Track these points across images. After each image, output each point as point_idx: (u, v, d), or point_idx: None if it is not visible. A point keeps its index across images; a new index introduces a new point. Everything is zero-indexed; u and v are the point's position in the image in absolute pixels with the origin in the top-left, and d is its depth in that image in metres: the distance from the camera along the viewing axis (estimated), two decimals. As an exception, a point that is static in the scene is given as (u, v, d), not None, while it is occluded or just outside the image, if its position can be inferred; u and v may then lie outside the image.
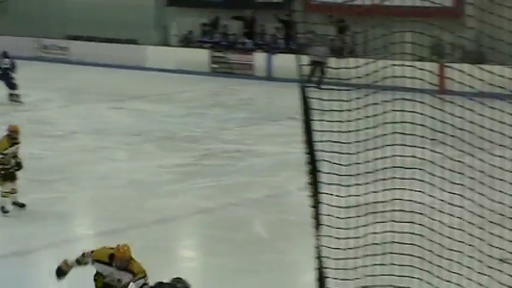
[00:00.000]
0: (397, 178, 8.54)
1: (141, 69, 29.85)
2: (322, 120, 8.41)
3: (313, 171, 8.10)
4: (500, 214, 8.31)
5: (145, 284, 7.96)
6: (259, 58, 28.17)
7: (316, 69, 22.90)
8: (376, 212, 8.62)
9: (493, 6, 8.29)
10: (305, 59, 8.24)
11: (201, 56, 29.25)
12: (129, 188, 14.55)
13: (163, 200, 13.76)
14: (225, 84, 27.04)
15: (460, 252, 8.25)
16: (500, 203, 8.22)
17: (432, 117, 8.41)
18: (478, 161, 8.26)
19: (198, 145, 18.11)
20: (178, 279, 8.06)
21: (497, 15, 8.26)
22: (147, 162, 16.50)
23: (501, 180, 8.15)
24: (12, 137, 12.88)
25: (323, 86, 15.23)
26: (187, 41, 30.80)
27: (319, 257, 8.07)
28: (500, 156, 8.24)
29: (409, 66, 8.59)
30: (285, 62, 25.10)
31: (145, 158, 16.89)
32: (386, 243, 8.54)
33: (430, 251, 8.34)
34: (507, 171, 8.13)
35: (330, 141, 8.31)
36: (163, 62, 29.76)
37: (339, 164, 8.47)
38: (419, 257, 8.35)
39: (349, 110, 8.55)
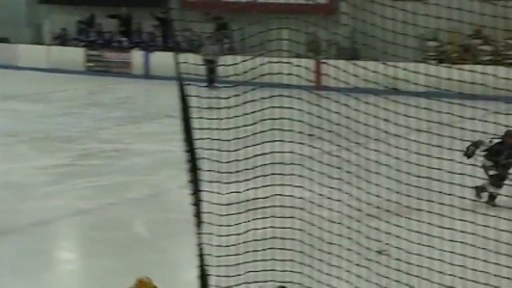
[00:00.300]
0: (277, 174, 8.61)
1: (13, 69, 29.05)
2: (201, 117, 8.40)
3: (194, 169, 8.07)
4: (377, 207, 8.50)
5: None
6: (136, 56, 27.91)
7: (208, 68, 22.57)
8: (256, 208, 8.67)
9: (365, 3, 8.47)
10: (193, 58, 8.21)
11: (76, 55, 28.74)
12: (4, 190, 14.15)
13: (40, 201, 13.45)
14: (101, 83, 26.67)
15: (339, 245, 8.40)
16: (377, 196, 8.42)
17: (309, 113, 8.52)
18: (354, 155, 8.43)
19: (75, 145, 17.78)
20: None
21: (369, 12, 8.44)
22: (22, 163, 16.09)
23: (377, 173, 8.35)
24: None
25: (216, 84, 15.19)
26: (61, 40, 30.20)
27: (200, 255, 8.06)
28: (375, 150, 8.43)
29: (286, 63, 8.67)
30: (163, 60, 24.96)
31: (20, 159, 16.46)
32: (267, 239, 8.59)
33: (311, 245, 8.45)
34: (382, 164, 8.33)
35: (210, 138, 8.30)
36: (36, 61, 29.07)
37: (219, 162, 8.48)
38: (300, 252, 8.45)
39: (228, 107, 8.56)
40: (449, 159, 8.08)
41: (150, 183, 14.64)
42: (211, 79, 21.00)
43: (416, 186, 8.26)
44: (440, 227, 8.07)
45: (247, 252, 8.50)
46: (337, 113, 8.45)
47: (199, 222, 8.16)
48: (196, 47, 25.01)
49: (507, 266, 7.72)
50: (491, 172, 11.23)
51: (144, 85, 26.59)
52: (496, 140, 11.10)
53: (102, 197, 13.73)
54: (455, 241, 8.05)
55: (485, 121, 8.09)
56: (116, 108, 22.46)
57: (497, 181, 11.36)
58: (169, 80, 13.93)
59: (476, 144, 11.02)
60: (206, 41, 22.84)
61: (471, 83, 8.43)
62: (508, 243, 7.77)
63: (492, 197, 11.38)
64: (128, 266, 10.76)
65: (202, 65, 21.47)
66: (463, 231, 7.99)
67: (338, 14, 10.88)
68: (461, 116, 8.08)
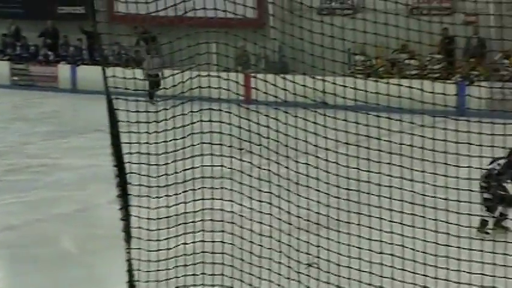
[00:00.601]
0: (207, 188, 8.59)
1: None
2: (130, 132, 8.33)
3: (122, 184, 8.01)
4: (306, 220, 8.54)
5: None
6: (63, 70, 27.58)
7: (153, 82, 21.90)
8: (186, 223, 8.63)
9: (294, 17, 8.53)
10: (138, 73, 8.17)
11: (0, 69, 28.25)
12: None
13: (-36, 218, 13.14)
14: (26, 97, 26.27)
15: (270, 259, 8.41)
16: (307, 209, 8.45)
17: (239, 127, 8.53)
18: (284, 169, 8.45)
19: (1, 160, 17.44)
20: None
21: (298, 27, 8.50)
22: None
23: (306, 187, 8.39)
24: None
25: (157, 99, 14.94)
26: (-15, 53, 29.70)
27: (130, 270, 7.99)
28: (305, 164, 8.47)
29: (215, 76, 8.67)
30: (90, 74, 24.72)
31: None
32: (197, 253, 8.56)
33: (241, 259, 8.44)
34: (312, 178, 8.37)
35: (139, 152, 8.25)
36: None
37: (148, 176, 8.42)
38: (230, 266, 8.43)
39: (157, 122, 8.52)
40: (377, 172, 8.17)
41: (78, 198, 14.44)
42: (152, 94, 20.43)
43: (346, 199, 8.32)
44: (369, 239, 8.15)
45: (177, 267, 8.46)
46: (266, 126, 8.47)
47: (128, 237, 8.09)
48: (135, 60, 24.79)
49: (435, 278, 7.84)
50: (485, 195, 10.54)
51: (71, 99, 26.29)
52: (502, 161, 10.76)
53: (28, 212, 13.49)
54: (384, 253, 8.14)
55: (412, 134, 8.21)
56: (42, 123, 22.13)
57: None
58: (97, 94, 13.82)
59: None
60: (146, 55, 22.26)
61: (398, 96, 8.55)
62: (435, 255, 7.89)
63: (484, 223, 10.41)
64: (55, 282, 10.59)
65: (145, 79, 20.68)
66: (391, 243, 8.08)
67: (267, 28, 10.93)
68: (388, 129, 8.18)
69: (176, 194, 8.58)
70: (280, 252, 8.45)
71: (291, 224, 8.49)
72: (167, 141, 8.51)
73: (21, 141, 19.61)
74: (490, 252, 7.80)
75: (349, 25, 8.51)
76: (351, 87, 8.45)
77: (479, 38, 19.10)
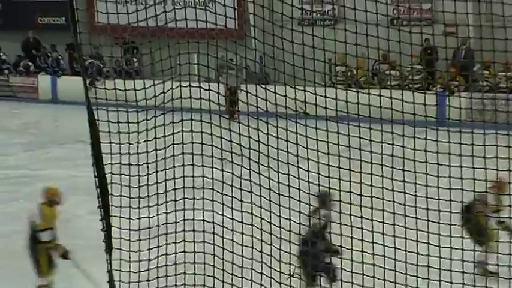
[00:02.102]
0: (188, 198, 8.57)
1: None
2: (111, 142, 8.31)
3: (103, 195, 7.98)
4: (288, 231, 8.54)
5: None
6: (43, 81, 27.47)
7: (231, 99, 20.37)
8: (168, 233, 8.61)
9: (275, 28, 8.54)
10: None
11: (-20, 80, 28.18)
12: None
13: None
14: (7, 108, 26.14)
15: (252, 269, 8.40)
16: (289, 219, 8.45)
17: (220, 137, 8.53)
18: (266, 179, 8.45)
19: (-19, 172, 17.34)
20: None
21: (279, 37, 8.52)
22: None
23: (288, 197, 8.39)
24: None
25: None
26: (-35, 64, 29.53)
27: (111, 281, 7.95)
28: (286, 174, 8.47)
29: (196, 87, 8.67)
30: (71, 85, 24.68)
31: None
32: (179, 264, 8.54)
33: (223, 269, 8.43)
34: (294, 188, 8.38)
35: (120, 163, 8.23)
36: None
37: (129, 187, 8.40)
38: (212, 276, 8.41)
39: (138, 132, 8.51)
40: (358, 182, 8.19)
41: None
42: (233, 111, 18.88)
43: (327, 210, 8.34)
44: (350, 249, 8.16)
45: (159, 277, 8.43)
46: (248, 137, 8.48)
47: (109, 248, 8.06)
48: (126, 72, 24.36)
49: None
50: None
51: (52, 110, 26.20)
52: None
53: (8, 224, 13.40)
54: (366, 263, 8.16)
55: (393, 144, 8.24)
56: (22, 134, 22.03)
57: None
58: (78, 104, 13.77)
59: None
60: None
61: (379, 107, 8.58)
62: (416, 264, 7.92)
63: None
64: (35, 294, 10.53)
65: (225, 96, 18.64)
66: (373, 254, 8.10)
67: (247, 38, 10.96)
68: (369, 140, 8.20)
69: (157, 205, 8.56)
70: (262, 262, 8.44)
71: (272, 234, 8.48)
72: (148, 152, 8.50)
73: (0, 152, 19.50)
74: (470, 261, 7.84)
75: (329, 36, 8.54)
76: (332, 98, 8.47)
77: (469, 49, 19.22)
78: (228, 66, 19.03)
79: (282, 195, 8.43)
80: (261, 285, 8.33)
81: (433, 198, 7.99)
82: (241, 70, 19.52)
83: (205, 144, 8.49)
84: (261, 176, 8.46)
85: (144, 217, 8.51)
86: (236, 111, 13.60)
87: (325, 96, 8.49)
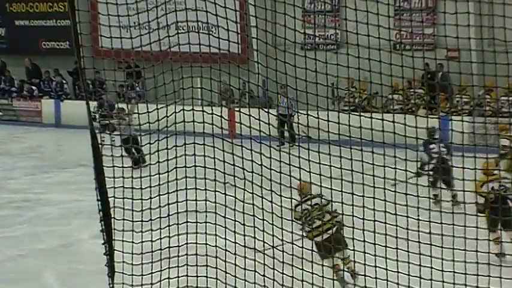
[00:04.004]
0: (191, 222, 8.58)
1: None
2: (114, 166, 8.34)
3: (106, 218, 7.99)
4: (291, 254, 8.53)
5: None
6: (46, 105, 27.56)
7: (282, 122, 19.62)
8: (170, 257, 8.60)
9: (279, 53, 8.58)
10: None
11: (-17, 104, 28.28)
12: None
13: None
14: (10, 132, 26.21)
15: (254, 293, 8.39)
16: (291, 243, 8.45)
17: (223, 161, 8.55)
18: (268, 203, 8.45)
19: (-17, 195, 17.34)
20: None
21: (281, 61, 8.55)
22: None
23: (291, 220, 8.40)
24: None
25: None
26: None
27: (114, 306, 7.94)
28: (289, 198, 8.48)
29: (200, 111, 8.70)
30: (74, 109, 24.75)
31: None
32: (181, 287, 8.53)
33: (225, 294, 8.42)
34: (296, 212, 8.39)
35: (123, 187, 8.24)
36: None
37: (132, 210, 8.41)
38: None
39: (141, 156, 8.53)
40: (361, 206, 8.18)
41: (61, 233, 14.34)
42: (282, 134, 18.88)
43: (330, 233, 8.34)
44: (354, 272, 8.15)
45: (161, 302, 8.42)
46: (250, 160, 8.49)
47: (112, 272, 8.06)
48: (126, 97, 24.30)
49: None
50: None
51: (55, 134, 26.24)
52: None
53: (11, 248, 13.38)
54: (369, 287, 8.14)
55: (395, 168, 8.25)
56: (25, 158, 22.05)
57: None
58: (81, 128, 13.80)
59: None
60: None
61: (381, 131, 8.59)
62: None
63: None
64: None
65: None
66: (376, 278, 8.08)
67: (250, 63, 10.99)
68: (372, 164, 8.21)
69: (160, 228, 8.57)
70: (264, 286, 8.42)
71: (275, 258, 8.47)
72: (151, 175, 8.52)
73: (4, 176, 19.52)
74: (473, 286, 7.82)
75: (332, 60, 8.57)
76: (335, 122, 8.49)
77: (444, 73, 19.23)
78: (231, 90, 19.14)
79: (285, 219, 8.44)
80: (264, 309, 8.31)
81: (435, 222, 7.98)
82: (244, 94, 19.59)
83: (208, 167, 8.51)
84: (263, 199, 8.47)
85: (147, 241, 8.52)
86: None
87: (328, 120, 8.51)
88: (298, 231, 8.45)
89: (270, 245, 8.42)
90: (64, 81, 28.03)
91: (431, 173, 12.94)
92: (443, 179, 12.65)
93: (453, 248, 8.01)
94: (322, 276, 8.29)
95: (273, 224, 8.42)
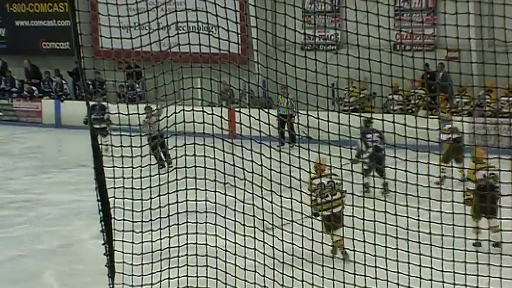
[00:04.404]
0: (191, 222, 8.58)
1: None
2: (115, 166, 8.34)
3: (106, 219, 7.99)
4: (291, 255, 8.53)
5: None
6: (46, 105, 27.56)
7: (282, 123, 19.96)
8: (170, 258, 8.60)
9: (277, 53, 8.58)
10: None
11: (-16, 104, 28.28)
12: None
13: None
14: (11, 132, 26.20)
15: (254, 294, 8.39)
16: (292, 243, 8.45)
17: (223, 161, 8.55)
18: (268, 203, 8.46)
19: (-16, 196, 17.34)
20: None
21: (281, 62, 8.55)
22: None
23: (291, 221, 8.39)
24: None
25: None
26: (-31, 89, 29.64)
27: (114, 306, 7.94)
28: (289, 198, 8.48)
29: (200, 111, 8.70)
30: (74, 109, 24.73)
31: None
32: (181, 288, 8.54)
33: (225, 294, 8.42)
34: (296, 212, 8.38)
35: (123, 187, 8.24)
36: None
37: (132, 211, 8.40)
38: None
39: (141, 156, 8.53)
40: (361, 207, 8.19)
41: (61, 233, 14.34)
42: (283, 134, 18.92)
43: (331, 234, 8.34)
44: (353, 273, 8.15)
45: (161, 302, 8.42)
46: (251, 161, 8.49)
47: (112, 273, 8.06)
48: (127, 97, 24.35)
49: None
50: None
51: (55, 134, 26.23)
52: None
53: (11, 248, 13.38)
54: None
55: (396, 169, 8.24)
56: (26, 158, 22.04)
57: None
58: (81, 129, 13.82)
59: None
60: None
61: (382, 131, 8.60)
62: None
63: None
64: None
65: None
66: (375, 278, 8.08)
67: (250, 63, 10.99)
68: (372, 164, 8.21)
69: (160, 229, 8.57)
70: (264, 287, 8.42)
71: (275, 259, 8.47)
72: (151, 176, 8.52)
73: (4, 176, 19.51)
74: (473, 286, 7.82)
75: (332, 60, 8.57)
76: (335, 122, 8.49)
77: (445, 74, 19.25)
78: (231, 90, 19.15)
79: (285, 219, 8.44)
80: (264, 309, 8.31)
81: (435, 222, 7.98)
82: (244, 95, 19.57)
83: (208, 168, 8.50)
84: (263, 200, 8.47)
85: (147, 241, 8.51)
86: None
87: (328, 121, 8.51)
88: (297, 232, 8.44)
89: (269, 245, 8.43)
90: (64, 82, 28.02)
91: (367, 161, 13.55)
92: (376, 168, 13.10)
93: (453, 249, 8.01)
94: (322, 277, 8.28)
95: (273, 225, 8.42)
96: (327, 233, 10.13)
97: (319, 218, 10.34)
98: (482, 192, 10.55)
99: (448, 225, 7.98)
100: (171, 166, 9.09)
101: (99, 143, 8.15)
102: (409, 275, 7.95)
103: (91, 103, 21.97)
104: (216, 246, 8.58)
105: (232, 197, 8.60)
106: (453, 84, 17.36)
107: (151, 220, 8.50)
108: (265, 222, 8.38)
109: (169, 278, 8.56)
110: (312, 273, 8.36)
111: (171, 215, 8.56)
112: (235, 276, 8.46)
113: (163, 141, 14.92)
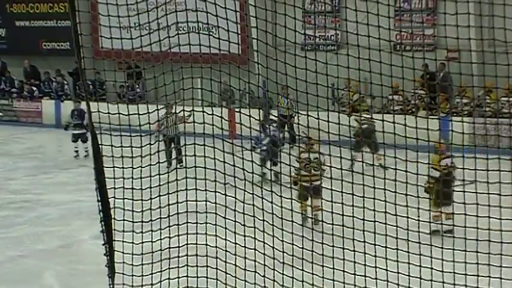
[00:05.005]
0: (191, 223, 8.58)
1: None
2: (115, 167, 8.34)
3: (106, 219, 7.99)
4: (291, 255, 8.53)
5: None
6: (47, 105, 27.56)
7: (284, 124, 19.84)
8: (170, 258, 8.61)
9: (277, 53, 8.58)
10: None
11: (-16, 104, 28.27)
12: None
13: None
14: (11, 133, 26.21)
15: (254, 294, 8.39)
16: (292, 244, 8.45)
17: (223, 162, 8.55)
18: (268, 203, 8.46)
19: (-16, 196, 17.34)
20: None
21: (282, 62, 8.56)
22: None
23: (291, 221, 8.39)
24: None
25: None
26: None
27: (114, 306, 7.94)
28: (289, 198, 8.48)
29: (200, 112, 8.71)
30: (75, 109, 24.63)
31: None
32: (181, 288, 8.54)
33: (225, 294, 8.42)
34: (297, 212, 8.39)
35: (123, 188, 8.24)
36: None
37: (132, 211, 8.41)
38: (214, 301, 8.41)
39: (142, 156, 8.53)
40: (361, 207, 8.19)
41: (61, 234, 14.35)
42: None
43: (331, 234, 8.33)
44: (354, 274, 8.15)
45: (161, 302, 8.42)
46: (250, 161, 8.50)
47: (112, 273, 8.06)
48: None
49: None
50: None
51: (56, 134, 26.21)
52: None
53: (11, 248, 13.39)
54: (369, 288, 8.15)
55: (396, 169, 8.25)
56: (26, 158, 22.05)
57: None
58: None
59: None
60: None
61: (382, 131, 8.60)
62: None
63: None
64: (38, 319, 10.50)
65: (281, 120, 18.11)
66: (375, 278, 8.08)
67: (251, 63, 11.00)
68: (372, 164, 8.22)
69: (160, 229, 8.57)
70: (265, 287, 8.42)
71: (275, 259, 8.47)
72: (151, 176, 8.52)
73: (4, 176, 19.52)
74: (473, 286, 7.83)
75: (332, 61, 8.58)
76: (335, 123, 8.50)
77: (445, 74, 19.27)
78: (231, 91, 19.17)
79: (285, 219, 8.44)
80: (264, 310, 8.31)
81: (435, 223, 7.99)
82: (244, 95, 19.59)
83: (208, 168, 8.50)
84: (263, 200, 8.47)
85: (147, 241, 8.52)
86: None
87: (328, 121, 8.51)
88: (297, 233, 8.44)
89: (270, 245, 8.43)
90: (65, 82, 28.02)
91: (264, 153, 13.78)
92: (270, 159, 13.69)
93: (453, 249, 8.01)
94: (323, 277, 8.29)
95: (273, 225, 8.42)
96: (299, 202, 10.95)
97: (296, 187, 11.03)
98: (445, 179, 10.94)
99: (447, 225, 7.99)
100: (182, 165, 9.09)
101: (100, 143, 8.14)
102: (409, 276, 7.95)
103: (71, 108, 22.10)
104: (216, 247, 8.58)
105: (233, 197, 8.60)
106: (453, 84, 17.36)
107: (151, 220, 8.50)
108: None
109: (169, 279, 8.56)
110: (312, 274, 8.36)
111: (171, 216, 8.56)
112: (235, 277, 8.46)
113: (179, 141, 14.98)
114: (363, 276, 8.11)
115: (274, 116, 9.07)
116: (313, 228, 9.38)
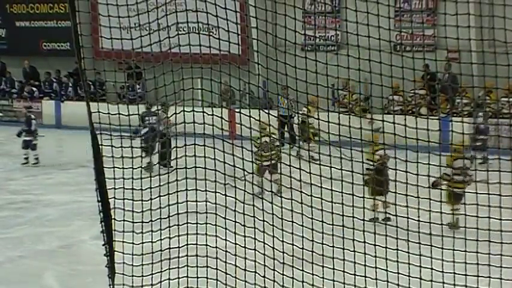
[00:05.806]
0: (191, 223, 8.58)
1: None
2: (115, 167, 8.34)
3: (106, 219, 7.99)
4: (291, 255, 8.53)
5: None
6: (47, 106, 27.55)
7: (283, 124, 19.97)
8: (171, 258, 8.61)
9: (278, 53, 8.58)
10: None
11: (-16, 105, 28.28)
12: None
13: None
14: (11, 133, 26.17)
15: (255, 294, 8.38)
16: (292, 244, 8.45)
17: (224, 162, 8.55)
18: (268, 204, 8.46)
19: (-16, 196, 17.34)
20: None
21: (282, 62, 8.55)
22: None
23: (291, 222, 8.39)
24: None
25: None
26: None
27: (114, 307, 7.94)
28: (289, 199, 8.48)
29: (200, 112, 8.70)
30: (75, 110, 24.72)
31: None
32: (181, 289, 8.54)
33: (226, 294, 8.42)
34: (296, 212, 8.38)
35: (123, 188, 8.24)
36: None
37: (132, 211, 8.40)
38: (214, 301, 8.40)
39: (142, 157, 8.53)
40: (361, 207, 8.19)
41: (61, 234, 14.35)
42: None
43: (331, 234, 8.33)
44: (354, 274, 8.15)
45: (162, 303, 8.42)
46: (251, 161, 8.49)
47: (112, 273, 8.06)
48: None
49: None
50: None
51: (56, 135, 26.23)
52: None
53: (11, 249, 13.38)
54: (369, 288, 8.15)
55: (396, 169, 8.25)
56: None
57: None
58: (82, 129, 13.81)
59: None
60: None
61: (382, 132, 8.60)
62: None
63: None
64: (38, 320, 10.50)
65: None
66: (376, 279, 8.08)
67: (251, 64, 11.00)
68: (372, 165, 8.21)
69: (160, 229, 8.56)
70: (264, 287, 8.42)
71: (275, 260, 8.47)
72: (152, 177, 8.52)
73: (4, 177, 19.53)
74: (474, 287, 7.83)
75: (332, 61, 8.58)
76: (335, 123, 8.49)
77: (450, 74, 19.28)
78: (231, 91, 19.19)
79: (285, 220, 8.43)
80: (264, 310, 8.31)
81: (435, 223, 7.98)
82: (244, 95, 19.60)
83: (208, 169, 8.50)
84: (263, 201, 8.47)
85: (147, 242, 8.52)
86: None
87: (328, 121, 8.51)
88: (297, 233, 8.44)
89: (270, 246, 8.42)
90: (70, 85, 28.02)
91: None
92: (150, 145, 14.36)
93: (453, 249, 8.01)
94: (323, 278, 8.28)
95: (273, 225, 8.42)
96: (258, 175, 12.07)
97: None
98: (380, 168, 11.35)
99: (447, 225, 7.98)
100: (171, 167, 9.09)
101: (100, 143, 8.14)
102: (409, 276, 7.95)
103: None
104: (216, 247, 8.58)
105: (233, 197, 8.60)
106: (453, 85, 17.36)
107: (151, 221, 8.50)
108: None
109: (169, 279, 8.56)
110: (312, 274, 8.36)
111: (171, 216, 8.56)
112: (235, 277, 8.46)
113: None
114: (363, 276, 8.11)
115: (274, 116, 9.06)
116: (272, 202, 9.28)
